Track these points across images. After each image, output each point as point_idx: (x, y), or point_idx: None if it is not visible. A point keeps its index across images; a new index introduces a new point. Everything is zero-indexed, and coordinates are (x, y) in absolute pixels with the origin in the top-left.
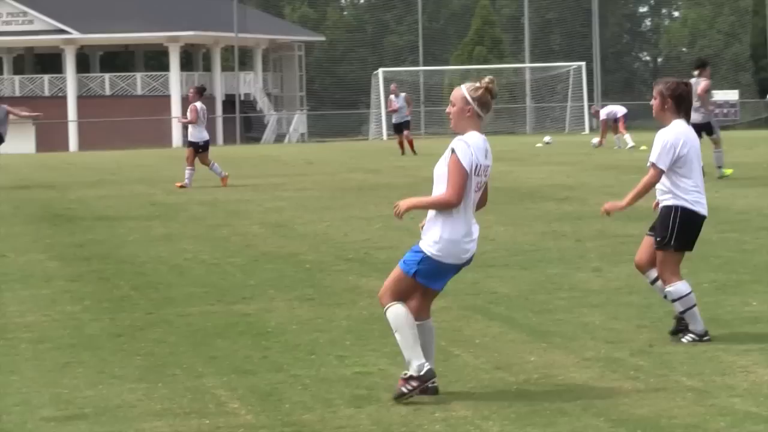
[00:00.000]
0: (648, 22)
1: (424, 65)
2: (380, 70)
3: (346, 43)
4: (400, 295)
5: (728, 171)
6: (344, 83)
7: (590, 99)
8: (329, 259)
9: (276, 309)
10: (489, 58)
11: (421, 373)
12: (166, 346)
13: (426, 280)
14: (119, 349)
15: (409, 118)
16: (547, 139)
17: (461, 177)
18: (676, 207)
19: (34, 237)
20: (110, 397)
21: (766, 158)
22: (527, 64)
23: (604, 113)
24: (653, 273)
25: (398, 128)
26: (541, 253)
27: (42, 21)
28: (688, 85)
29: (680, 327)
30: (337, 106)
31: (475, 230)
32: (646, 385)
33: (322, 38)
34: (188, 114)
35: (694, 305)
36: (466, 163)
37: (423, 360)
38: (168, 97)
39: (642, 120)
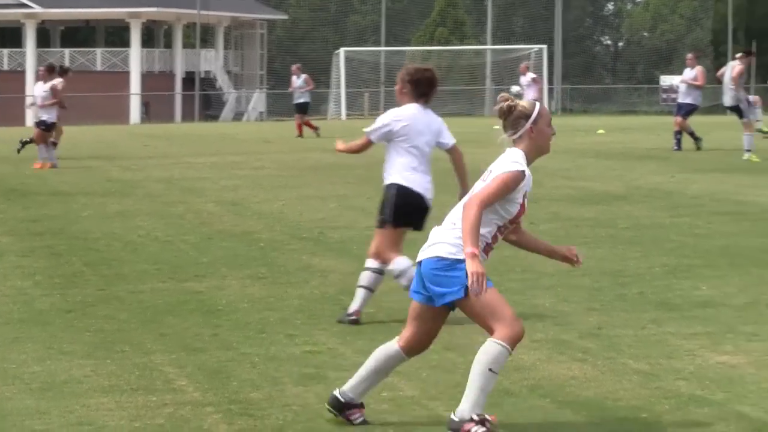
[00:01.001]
0: (611, 6)
1: (386, 46)
2: (341, 50)
3: (308, 22)
4: None
5: (754, 158)
6: (305, 62)
7: (550, 82)
8: (283, 238)
9: (228, 287)
10: (450, 39)
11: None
12: (116, 323)
13: None
14: (69, 325)
15: (304, 100)
16: None
17: None
18: (393, 185)
19: None
20: (58, 372)
21: (721, 144)
22: (488, 46)
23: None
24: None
25: (296, 108)
26: None
27: None
28: (428, 71)
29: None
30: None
31: None
32: (593, 367)
33: (285, 17)
34: (54, 94)
35: None
36: None
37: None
38: (128, 73)
39: (600, 103)
